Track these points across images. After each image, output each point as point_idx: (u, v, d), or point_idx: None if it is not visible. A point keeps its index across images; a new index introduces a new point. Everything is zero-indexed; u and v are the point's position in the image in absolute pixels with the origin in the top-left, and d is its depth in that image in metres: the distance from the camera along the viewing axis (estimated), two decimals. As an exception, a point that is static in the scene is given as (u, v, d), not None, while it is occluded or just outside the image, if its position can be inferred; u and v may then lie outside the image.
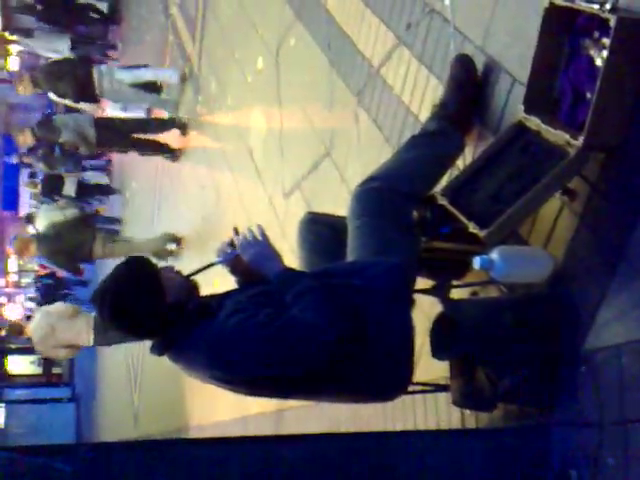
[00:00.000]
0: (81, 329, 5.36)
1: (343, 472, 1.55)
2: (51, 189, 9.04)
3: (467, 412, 2.04)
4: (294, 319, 1.66)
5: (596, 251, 1.64)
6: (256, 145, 4.65)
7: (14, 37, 11.34)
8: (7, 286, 18.30)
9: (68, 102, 6.78)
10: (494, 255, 1.69)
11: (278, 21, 4.20)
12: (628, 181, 1.56)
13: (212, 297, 1.85)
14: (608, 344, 1.57)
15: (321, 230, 2.08)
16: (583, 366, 1.62)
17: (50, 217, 6.88)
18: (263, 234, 1.85)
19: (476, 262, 1.69)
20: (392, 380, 1.75)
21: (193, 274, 1.84)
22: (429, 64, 2.45)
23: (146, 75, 6.67)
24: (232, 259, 1.86)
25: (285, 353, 1.66)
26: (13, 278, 18.26)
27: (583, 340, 1.63)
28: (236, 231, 1.89)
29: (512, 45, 2.01)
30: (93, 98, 6.44)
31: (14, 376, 14.41)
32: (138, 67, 6.87)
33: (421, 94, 2.51)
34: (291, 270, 1.82)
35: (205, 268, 1.86)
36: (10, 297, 17.96)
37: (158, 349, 1.80)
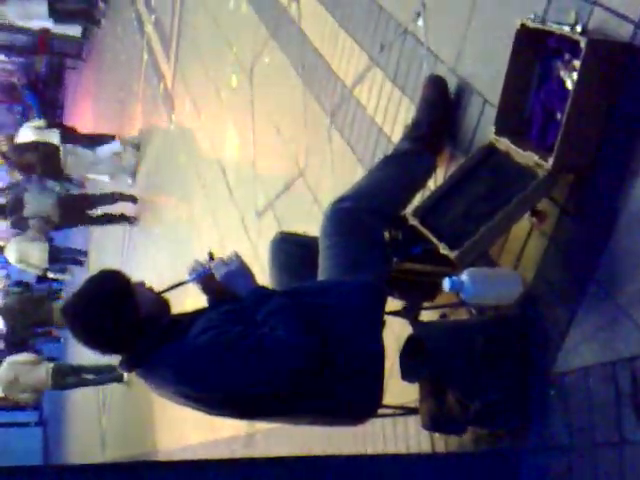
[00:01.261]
0: (42, 376, 6.40)
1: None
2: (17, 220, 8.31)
3: (437, 436, 2.01)
4: (265, 337, 1.64)
5: (565, 272, 1.63)
6: (229, 164, 4.63)
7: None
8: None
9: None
10: (464, 277, 1.67)
11: (253, 39, 4.21)
12: (597, 203, 1.56)
13: (183, 315, 1.82)
14: (576, 367, 1.56)
15: (293, 249, 2.06)
16: (552, 389, 1.61)
17: (20, 248, 7.43)
18: (236, 255, 1.83)
19: (446, 284, 1.67)
20: (361, 401, 1.72)
21: (165, 291, 1.81)
22: (402, 85, 2.46)
23: (104, 151, 7.33)
24: (204, 277, 1.83)
25: (255, 371, 1.63)
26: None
27: (552, 362, 1.62)
28: (211, 255, 1.86)
29: (484, 66, 2.02)
30: (59, 173, 7.09)
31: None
32: (99, 144, 7.48)
33: (394, 115, 2.51)
34: (263, 288, 1.80)
35: (177, 286, 1.84)
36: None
37: (127, 365, 1.76)
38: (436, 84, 2.14)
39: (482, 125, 2.00)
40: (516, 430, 1.68)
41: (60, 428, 12.11)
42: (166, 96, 6.56)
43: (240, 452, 3.72)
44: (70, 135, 7.63)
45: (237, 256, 1.82)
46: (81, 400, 9.86)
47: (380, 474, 1.61)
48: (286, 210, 3.57)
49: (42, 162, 6.66)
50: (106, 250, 8.82)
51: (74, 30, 10.34)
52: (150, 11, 7.52)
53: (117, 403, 7.52)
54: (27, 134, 7.21)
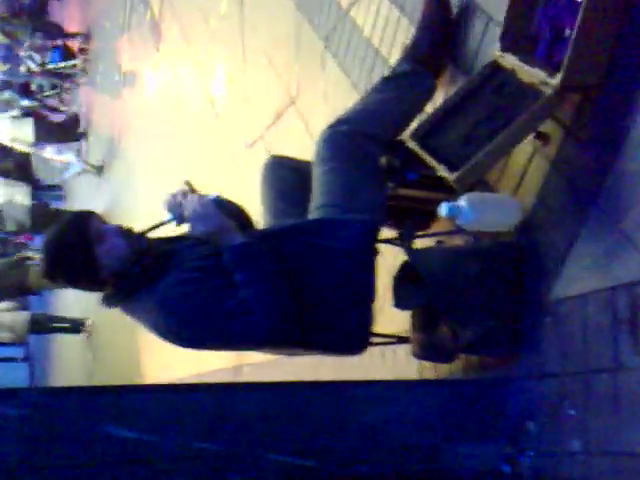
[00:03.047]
0: (20, 321, 7.98)
1: (299, 422, 1.49)
2: None
3: (426, 365, 2.00)
4: (241, 304, 1.56)
5: (567, 198, 1.58)
6: (218, 94, 4.48)
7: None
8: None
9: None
10: (461, 202, 1.62)
11: (244, -37, 4.01)
12: (604, 124, 1.49)
13: (163, 245, 1.74)
14: (574, 294, 1.53)
15: (286, 174, 1.98)
16: (548, 317, 1.58)
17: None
18: (213, 205, 1.66)
19: (443, 209, 1.62)
20: (353, 334, 1.68)
21: (144, 233, 1.72)
22: (401, 4, 2.34)
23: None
24: (181, 214, 1.70)
25: (229, 333, 1.59)
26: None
27: (549, 290, 1.58)
28: (188, 185, 1.75)
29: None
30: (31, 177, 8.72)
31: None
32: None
33: (391, 36, 2.40)
34: (248, 246, 1.64)
35: (156, 227, 1.73)
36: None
37: (107, 302, 1.72)
38: (437, 2, 2.03)
39: (485, 45, 1.90)
40: (507, 357, 1.66)
41: (46, 364, 12.19)
42: (153, 26, 6.31)
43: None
44: (42, 122, 8.84)
45: (214, 207, 1.65)
46: (66, 337, 9.90)
47: (369, 400, 1.59)
48: (277, 141, 3.47)
49: (17, 169, 8.41)
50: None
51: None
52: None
53: (102, 339, 7.54)
54: (4, 124, 8.57)
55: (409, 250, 1.72)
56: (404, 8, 2.32)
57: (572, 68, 1.42)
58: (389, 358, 2.18)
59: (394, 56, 2.38)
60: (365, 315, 1.66)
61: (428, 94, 1.99)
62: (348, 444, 1.51)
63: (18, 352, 13.49)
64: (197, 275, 1.62)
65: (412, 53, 2.01)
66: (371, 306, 1.66)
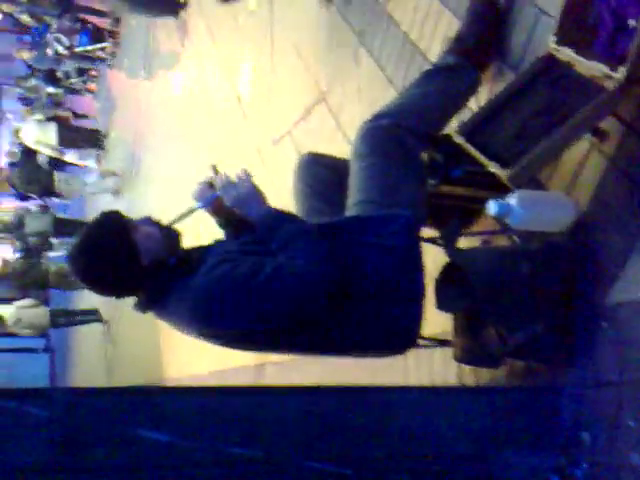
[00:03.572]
0: (40, 317, 8.37)
1: (337, 428, 1.41)
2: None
3: (466, 370, 1.91)
4: (281, 268, 1.50)
5: (627, 196, 1.49)
6: (244, 90, 4.43)
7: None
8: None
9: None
10: (512, 200, 1.53)
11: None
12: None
13: (197, 248, 1.68)
14: (634, 298, 1.44)
15: (321, 172, 1.90)
16: (604, 321, 1.49)
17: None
18: (246, 174, 1.66)
19: (492, 207, 1.53)
20: (401, 333, 1.60)
21: (173, 223, 1.66)
22: (443, -3, 2.26)
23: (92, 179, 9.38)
24: (213, 202, 1.67)
25: (273, 305, 1.50)
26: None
27: (605, 294, 1.49)
28: (215, 170, 1.70)
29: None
30: (54, 195, 9.17)
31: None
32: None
33: (431, 30, 2.32)
34: (278, 212, 1.63)
35: (185, 215, 1.68)
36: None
37: (141, 306, 1.64)
38: (484, -5, 1.95)
39: (536, 38, 1.82)
40: (558, 364, 1.58)
41: (67, 355, 12.25)
42: (179, 22, 6.29)
43: (250, 382, 3.67)
44: (66, 126, 9.36)
45: (247, 176, 1.65)
46: (87, 329, 9.92)
47: (410, 406, 1.51)
48: (305, 137, 3.40)
49: (41, 191, 8.92)
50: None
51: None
52: None
53: (123, 332, 7.53)
54: (30, 129, 8.85)
55: (453, 250, 1.64)
56: (447, 1, 2.24)
57: (638, 61, 1.34)
58: (425, 361, 2.10)
59: (434, 51, 2.30)
60: (414, 313, 1.58)
61: (472, 89, 1.91)
62: (387, 452, 1.43)
63: (39, 343, 13.56)
64: (235, 256, 1.56)
65: (457, 46, 1.93)
66: (421, 304, 1.58)
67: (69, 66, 10.11)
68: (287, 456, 1.33)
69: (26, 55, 10.54)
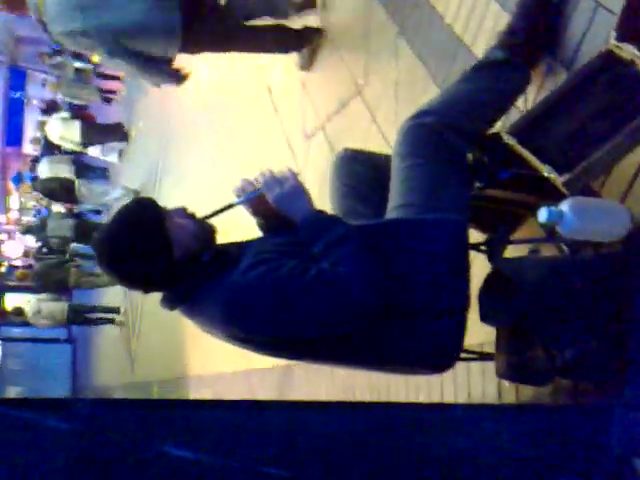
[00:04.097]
0: (59, 311, 8.79)
1: (374, 448, 1.33)
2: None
3: (505, 385, 1.81)
4: (323, 273, 1.41)
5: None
6: (276, 82, 4.34)
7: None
8: (8, 223, 18.07)
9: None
10: (564, 207, 1.42)
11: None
12: None
13: (232, 245, 1.60)
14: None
15: (360, 169, 1.81)
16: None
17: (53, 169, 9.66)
18: (291, 172, 1.57)
19: (543, 214, 1.43)
20: (443, 349, 1.50)
21: (209, 217, 1.58)
22: (490, -11, 2.15)
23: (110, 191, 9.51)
24: (254, 199, 1.59)
25: (312, 312, 1.41)
26: (14, 215, 18.02)
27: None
28: (261, 173, 1.62)
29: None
30: (74, 200, 9.63)
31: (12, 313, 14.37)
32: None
33: (477, 23, 2.21)
34: (322, 214, 1.55)
35: (223, 210, 1.59)
36: (10, 234, 17.74)
37: (169, 303, 1.55)
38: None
39: (592, 34, 1.70)
40: (610, 383, 1.47)
41: (89, 346, 12.33)
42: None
43: (276, 384, 3.60)
44: (89, 124, 9.54)
45: (292, 174, 1.57)
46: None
47: (450, 426, 1.41)
48: (339, 131, 3.30)
49: (61, 190, 9.21)
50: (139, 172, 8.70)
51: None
52: None
53: (148, 326, 7.53)
54: (55, 125, 9.09)
55: (498, 258, 1.54)
56: (495, -8, 2.13)
57: None
58: (461, 373, 2.00)
59: (480, 45, 2.19)
60: (457, 327, 1.48)
61: (522, 86, 1.80)
62: (428, 475, 1.34)
63: (61, 333, 13.79)
64: (273, 256, 1.47)
65: (506, 40, 1.83)
66: (465, 316, 1.48)
67: None
68: (322, 477, 1.25)
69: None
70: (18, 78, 16.49)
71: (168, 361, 6.53)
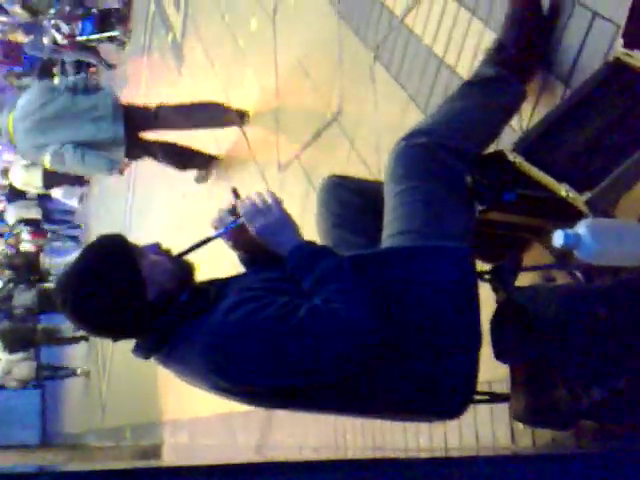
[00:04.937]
0: (27, 372, 9.27)
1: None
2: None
3: (519, 426, 1.66)
4: (317, 310, 1.25)
5: None
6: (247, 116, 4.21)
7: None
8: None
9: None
10: (581, 229, 1.29)
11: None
12: None
13: (211, 283, 1.42)
14: None
15: (348, 197, 1.66)
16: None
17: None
18: (275, 199, 1.42)
19: (558, 238, 1.29)
20: (454, 392, 1.34)
21: (186, 252, 1.41)
22: (472, 6, 2.05)
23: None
24: (234, 231, 1.43)
25: (305, 354, 1.24)
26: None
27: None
28: (236, 193, 1.46)
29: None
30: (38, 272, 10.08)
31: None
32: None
33: (459, 42, 2.11)
34: (311, 245, 1.39)
35: (201, 244, 1.43)
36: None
37: (143, 351, 1.37)
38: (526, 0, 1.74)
39: (590, 44, 1.60)
40: (641, 425, 1.33)
41: (58, 391, 11.91)
42: (175, 47, 6.11)
43: (259, 426, 3.39)
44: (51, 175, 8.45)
45: (275, 201, 1.41)
46: (81, 364, 9.64)
47: None
48: (316, 161, 3.17)
49: (25, 265, 9.84)
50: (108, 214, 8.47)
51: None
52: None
53: (118, 368, 7.22)
54: (18, 172, 8.81)
55: (511, 288, 1.40)
56: (476, 10, 2.03)
57: None
58: (467, 414, 1.84)
59: (463, 64, 2.09)
60: (467, 367, 1.32)
61: (517, 102, 1.69)
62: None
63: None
64: (258, 294, 1.30)
65: (496, 56, 1.71)
66: (476, 355, 1.32)
67: (67, 58, 8.70)
68: None
69: (20, 39, 9.37)
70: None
71: (141, 405, 6.24)
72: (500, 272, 1.42)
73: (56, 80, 4.03)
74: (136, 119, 3.96)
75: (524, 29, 1.72)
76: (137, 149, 4.15)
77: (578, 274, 1.50)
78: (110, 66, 8.45)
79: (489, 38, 1.89)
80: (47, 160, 3.81)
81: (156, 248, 1.40)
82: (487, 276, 1.52)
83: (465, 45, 2.09)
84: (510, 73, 1.68)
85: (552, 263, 1.52)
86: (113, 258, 1.33)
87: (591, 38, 1.61)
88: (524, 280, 1.59)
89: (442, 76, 2.19)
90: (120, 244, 1.36)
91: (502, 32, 1.75)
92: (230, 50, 4.61)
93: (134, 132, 3.96)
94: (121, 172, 4.59)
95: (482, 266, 1.59)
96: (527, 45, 1.71)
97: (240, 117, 4.08)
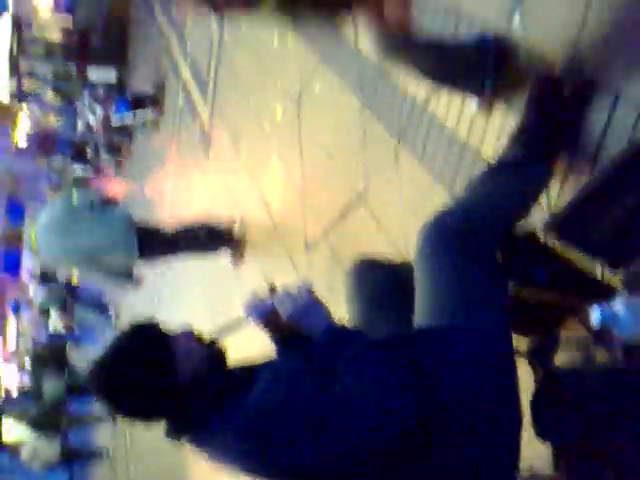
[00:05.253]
0: (53, 453, 9.21)
1: None
2: None
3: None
4: (350, 389, 1.25)
5: None
6: (273, 198, 4.32)
7: (23, 105, 11.13)
8: (5, 349, 17.81)
9: None
10: (619, 306, 1.30)
11: (300, 69, 3.95)
12: None
13: (244, 366, 1.45)
14: None
15: (379, 278, 1.69)
16: None
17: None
18: (306, 287, 1.44)
19: (596, 316, 1.29)
20: (495, 477, 1.31)
21: (217, 336, 1.45)
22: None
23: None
24: (266, 315, 1.46)
25: (340, 440, 1.24)
26: (11, 341, 17.78)
27: None
28: (272, 288, 1.49)
29: (610, 57, 1.68)
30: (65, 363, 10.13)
31: (7, 444, 13.64)
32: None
33: (482, 126, 2.17)
34: (343, 328, 1.40)
35: (233, 327, 1.47)
36: (8, 360, 17.39)
37: (175, 433, 1.39)
38: (545, 81, 1.81)
39: (615, 124, 1.65)
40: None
41: (86, 473, 11.69)
42: (202, 136, 6.35)
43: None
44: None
45: (308, 287, 1.44)
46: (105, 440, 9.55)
47: None
48: (342, 241, 3.22)
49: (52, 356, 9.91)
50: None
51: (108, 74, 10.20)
52: (185, 56, 7.39)
53: (145, 449, 7.10)
54: None
55: (549, 367, 1.39)
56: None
57: None
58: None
59: (487, 147, 2.15)
60: (513, 450, 1.29)
61: (542, 184, 1.72)
62: None
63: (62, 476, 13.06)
64: (292, 375, 1.32)
65: (521, 138, 1.77)
66: (518, 438, 1.30)
67: (101, 140, 8.79)
68: None
69: (52, 122, 9.66)
70: (17, 209, 16.88)
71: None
72: (538, 350, 1.42)
73: (75, 195, 4.47)
74: (149, 240, 4.35)
75: (547, 110, 1.78)
76: (155, 256, 4.53)
77: (617, 351, 1.48)
78: (147, 132, 8.48)
79: (512, 119, 1.95)
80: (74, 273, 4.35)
81: (188, 333, 1.43)
82: (525, 354, 1.52)
83: (488, 128, 2.15)
84: (534, 155, 1.73)
85: (590, 340, 1.51)
86: (146, 343, 1.37)
87: (616, 117, 1.65)
88: (562, 358, 1.57)
89: (466, 159, 2.24)
90: (153, 329, 1.40)
91: (524, 113, 1.81)
92: (256, 135, 4.78)
93: (148, 249, 4.35)
94: (139, 283, 5.00)
95: (519, 343, 1.59)
96: (550, 126, 1.76)
97: (236, 252, 4.58)
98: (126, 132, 8.49)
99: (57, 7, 9.73)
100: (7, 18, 11.00)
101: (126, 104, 7.90)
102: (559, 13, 1.87)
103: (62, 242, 4.02)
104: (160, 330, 1.41)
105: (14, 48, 10.68)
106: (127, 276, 4.58)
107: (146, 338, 1.38)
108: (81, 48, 10.44)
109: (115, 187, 10.89)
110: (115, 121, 8.09)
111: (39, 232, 4.11)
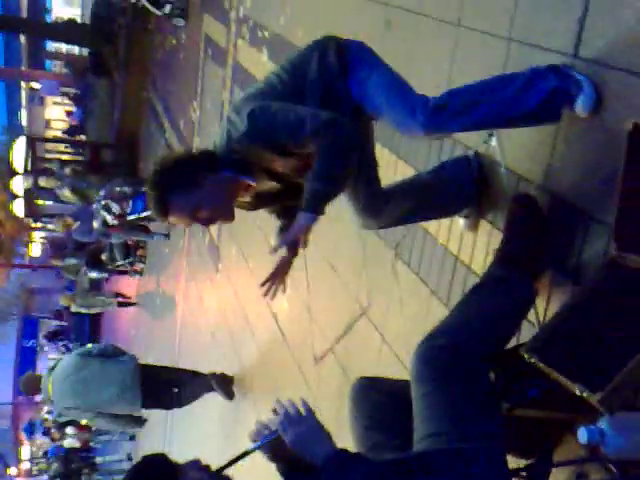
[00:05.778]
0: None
1: None
2: None
3: None
4: None
5: None
6: (281, 309, 4.40)
7: (37, 224, 11.54)
8: (19, 475, 17.41)
9: None
10: (604, 425, 1.34)
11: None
12: None
13: None
14: None
15: (379, 399, 1.74)
16: None
17: None
18: (308, 409, 1.50)
19: (582, 435, 1.33)
20: None
21: (225, 467, 1.49)
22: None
23: None
24: (271, 443, 1.49)
25: None
26: (25, 466, 17.38)
27: None
28: (275, 412, 1.55)
29: (582, 179, 1.81)
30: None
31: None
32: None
33: (471, 241, 2.28)
34: (344, 454, 1.43)
35: (239, 458, 1.50)
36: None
37: None
38: (524, 202, 1.93)
39: (589, 243, 1.75)
40: None
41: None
42: (212, 247, 6.52)
43: None
44: None
45: (309, 411, 1.49)
46: None
47: None
48: (349, 353, 3.27)
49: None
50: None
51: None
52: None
53: None
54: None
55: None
56: (484, 214, 2.23)
57: None
58: None
59: (477, 261, 2.24)
60: None
61: (528, 301, 1.80)
62: None
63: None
64: None
65: (504, 256, 1.87)
66: None
67: (116, 239, 8.57)
68: None
69: (69, 225, 9.36)
70: (30, 327, 16.98)
71: None
72: (533, 469, 1.44)
73: (89, 345, 5.23)
74: (154, 388, 4.92)
75: (527, 229, 1.88)
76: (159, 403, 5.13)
77: (612, 467, 1.50)
78: (166, 236, 8.29)
79: (498, 238, 2.05)
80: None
81: (196, 464, 1.47)
82: (523, 473, 1.54)
83: (477, 245, 2.26)
84: (519, 272, 1.81)
85: (584, 457, 1.53)
86: (156, 474, 1.42)
87: (590, 238, 1.75)
88: (558, 476, 1.59)
89: (459, 273, 2.34)
90: (162, 462, 1.46)
91: (506, 233, 1.92)
92: (263, 248, 4.92)
93: (152, 398, 4.93)
94: (143, 425, 5.46)
95: (516, 462, 1.61)
96: (531, 244, 1.86)
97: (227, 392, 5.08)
98: (143, 228, 8.30)
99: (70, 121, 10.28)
100: (22, 139, 11.57)
101: (143, 200, 7.39)
102: (532, 137, 2.02)
103: (74, 401, 4.67)
104: (169, 462, 1.46)
105: (28, 167, 11.18)
106: (133, 420, 5.17)
107: (155, 469, 1.44)
108: (93, 162, 10.92)
109: (129, 288, 11.00)
110: (132, 219, 7.82)
111: (56, 381, 4.68)
